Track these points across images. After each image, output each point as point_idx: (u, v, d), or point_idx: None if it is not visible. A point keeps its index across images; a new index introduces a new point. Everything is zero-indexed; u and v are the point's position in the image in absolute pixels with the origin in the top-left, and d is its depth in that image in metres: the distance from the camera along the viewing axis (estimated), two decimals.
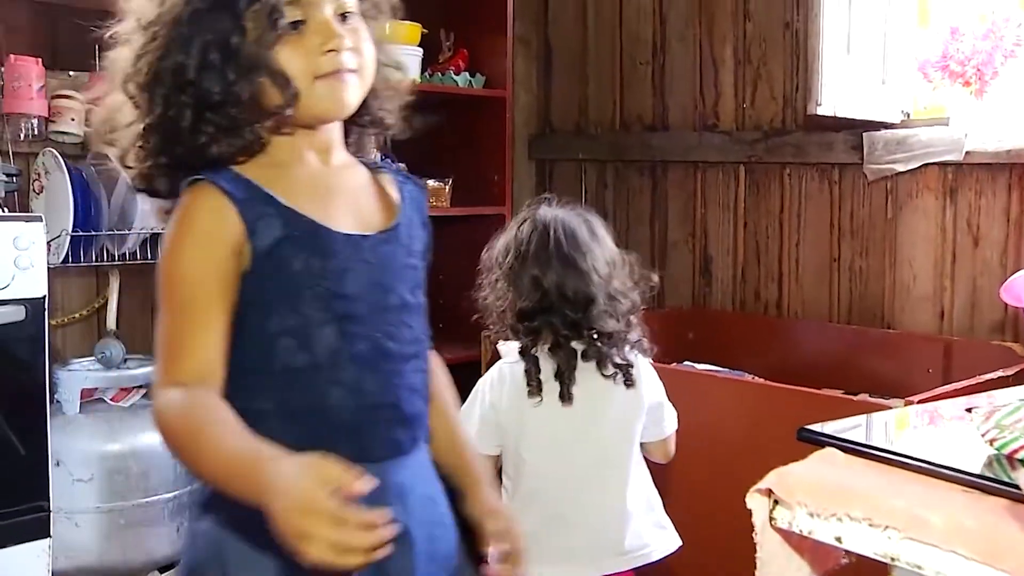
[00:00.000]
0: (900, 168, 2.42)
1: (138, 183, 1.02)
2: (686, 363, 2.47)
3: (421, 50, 2.47)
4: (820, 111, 2.31)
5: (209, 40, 0.93)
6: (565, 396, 1.57)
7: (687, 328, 2.78)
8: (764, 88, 2.70)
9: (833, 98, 2.32)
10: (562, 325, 1.58)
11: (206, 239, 0.93)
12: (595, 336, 1.59)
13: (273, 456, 0.81)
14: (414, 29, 2.52)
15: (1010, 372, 1.90)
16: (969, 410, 0.78)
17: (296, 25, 0.94)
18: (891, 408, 1.71)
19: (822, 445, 0.78)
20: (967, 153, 2.32)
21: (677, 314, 2.84)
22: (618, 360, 1.61)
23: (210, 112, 0.94)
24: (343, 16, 0.97)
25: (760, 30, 2.69)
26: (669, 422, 1.72)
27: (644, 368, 1.69)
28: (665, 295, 2.95)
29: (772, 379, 2.39)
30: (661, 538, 1.65)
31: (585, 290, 1.58)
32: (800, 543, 0.70)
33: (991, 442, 0.71)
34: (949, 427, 0.86)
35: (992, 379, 1.87)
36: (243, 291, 0.93)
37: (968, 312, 2.36)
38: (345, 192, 1.03)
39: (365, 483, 0.77)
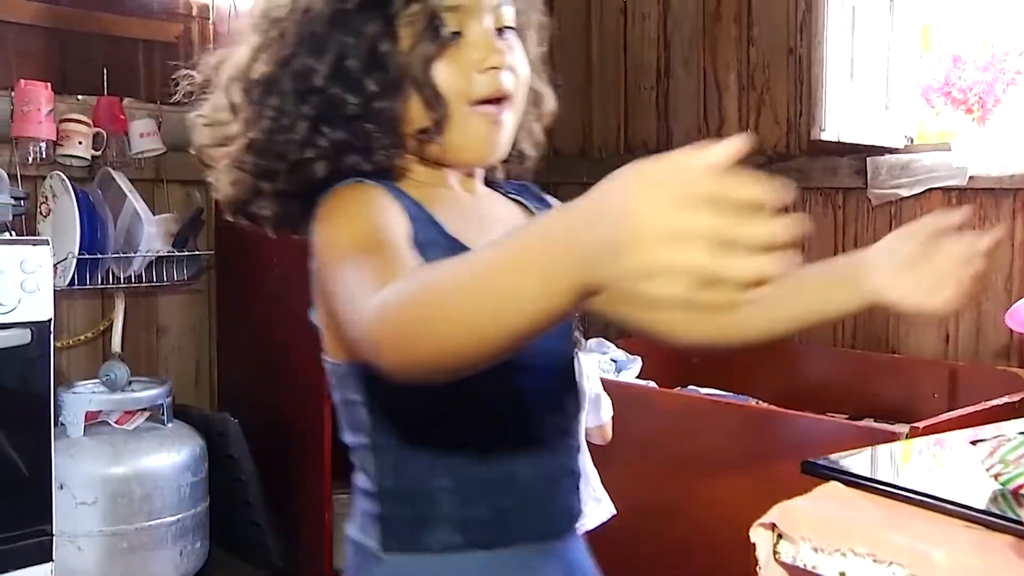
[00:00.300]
0: (904, 193, 2.43)
1: (230, 208, 0.87)
2: (691, 388, 2.47)
3: None
4: (824, 136, 2.31)
5: (350, 44, 0.79)
6: None
7: (692, 352, 2.77)
8: (768, 113, 2.71)
9: (837, 123, 2.33)
10: None
11: (388, 207, 0.76)
12: None
13: (569, 206, 0.52)
14: None
15: (1016, 398, 1.89)
16: (975, 443, 0.77)
17: (453, 37, 0.80)
18: (896, 433, 1.71)
19: (827, 478, 0.77)
20: (970, 178, 2.32)
21: None
22: None
23: (331, 128, 0.80)
24: (499, 31, 0.82)
25: (763, 56, 2.71)
26: (606, 410, 1.82)
27: (582, 363, 1.73)
28: None
29: (777, 403, 2.38)
30: (596, 509, 1.78)
31: None
32: None
33: (996, 477, 0.71)
34: (955, 460, 0.86)
35: (998, 405, 1.86)
36: None
37: (973, 337, 2.36)
38: (498, 225, 0.84)
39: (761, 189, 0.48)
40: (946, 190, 2.37)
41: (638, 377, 2.41)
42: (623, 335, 2.89)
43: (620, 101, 3.06)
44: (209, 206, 2.61)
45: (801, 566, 0.69)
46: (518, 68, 0.84)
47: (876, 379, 2.46)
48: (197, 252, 2.43)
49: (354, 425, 0.84)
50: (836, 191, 2.58)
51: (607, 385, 2.26)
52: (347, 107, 0.79)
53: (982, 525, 0.66)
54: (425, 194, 0.82)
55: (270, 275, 2.40)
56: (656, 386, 2.31)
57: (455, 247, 0.78)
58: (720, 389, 2.48)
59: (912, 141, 2.53)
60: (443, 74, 0.79)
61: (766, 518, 0.74)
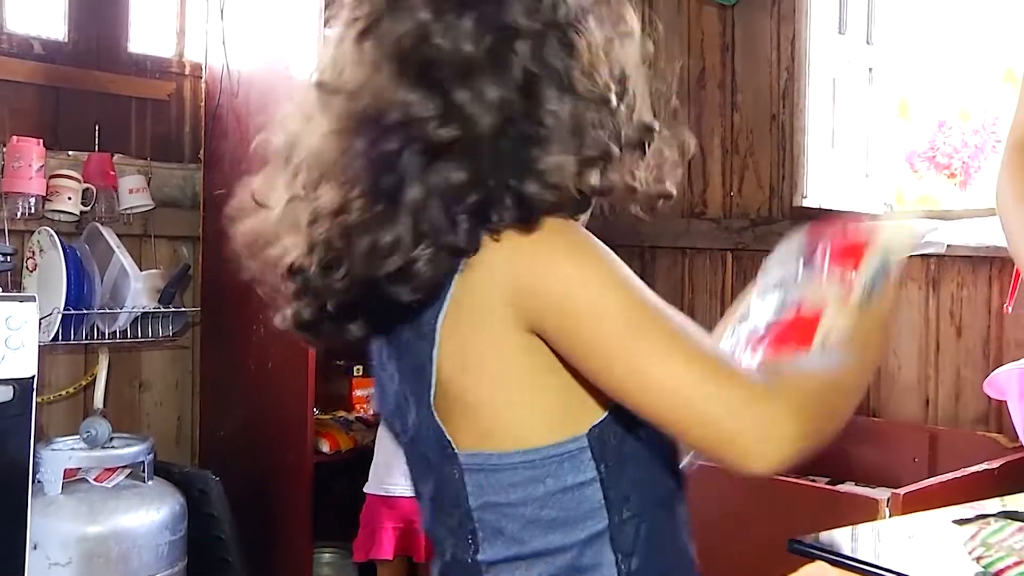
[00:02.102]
0: None
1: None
2: None
3: None
4: (806, 203, 2.36)
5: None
6: None
7: None
8: (751, 177, 2.76)
9: (818, 190, 2.38)
10: None
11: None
12: None
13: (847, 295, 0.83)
14: None
15: (995, 464, 1.91)
16: (957, 522, 0.79)
17: None
18: (876, 499, 1.72)
19: (812, 558, 0.78)
20: (949, 246, 2.36)
21: None
22: None
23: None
24: None
25: (747, 122, 2.76)
26: None
27: None
28: None
29: None
30: None
31: None
32: None
33: (978, 560, 0.72)
34: (937, 540, 0.87)
35: (977, 472, 1.87)
36: None
37: (953, 402, 2.38)
38: None
39: None
40: (925, 257, 2.41)
41: None
42: None
43: None
44: (196, 261, 2.62)
45: None
46: None
47: (857, 443, 2.47)
48: (183, 308, 2.43)
49: (568, 517, 0.76)
50: None
51: None
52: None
53: None
54: None
55: (255, 332, 2.40)
56: None
57: None
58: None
59: (891, 208, 2.59)
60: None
61: None
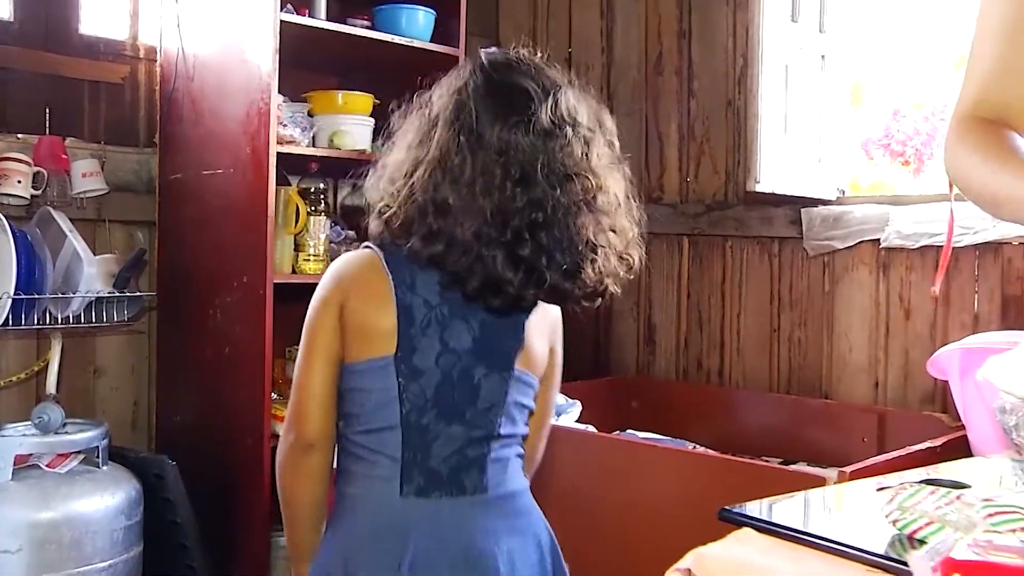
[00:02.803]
0: (838, 245, 2.51)
1: None
2: (629, 432, 2.51)
3: (373, 120, 2.52)
4: (759, 188, 2.39)
5: None
6: None
7: (631, 396, 2.81)
8: (707, 163, 2.80)
9: (771, 176, 2.41)
10: None
11: None
12: None
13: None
14: (367, 100, 2.57)
15: (938, 443, 1.96)
16: (880, 490, 0.81)
17: None
18: (824, 478, 1.76)
19: (740, 525, 0.81)
20: (898, 232, 2.41)
21: (621, 383, 2.88)
22: None
23: None
24: None
25: (704, 108, 2.79)
26: None
27: None
28: (610, 363, 2.99)
29: (715, 448, 2.43)
30: None
31: None
32: None
33: (894, 523, 0.74)
34: (863, 507, 0.90)
35: (921, 450, 1.92)
36: None
37: (901, 383, 2.43)
38: None
39: None
40: (876, 242, 2.46)
41: (577, 421, 2.44)
42: (562, 379, 2.92)
43: None
44: (152, 246, 2.60)
45: None
46: None
47: (809, 424, 2.52)
48: (138, 293, 2.41)
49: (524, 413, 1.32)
50: (772, 240, 2.66)
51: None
52: None
53: (878, 568, 0.70)
54: None
55: (212, 317, 2.39)
56: (595, 430, 2.34)
57: None
58: (658, 434, 2.52)
59: (844, 193, 2.63)
60: None
61: (682, 563, 0.77)
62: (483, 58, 1.30)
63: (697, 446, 2.45)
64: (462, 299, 1.23)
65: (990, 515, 0.68)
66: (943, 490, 0.73)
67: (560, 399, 2.49)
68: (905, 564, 0.65)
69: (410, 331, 1.23)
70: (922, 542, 0.70)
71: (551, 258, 1.20)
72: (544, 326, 1.32)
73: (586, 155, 1.24)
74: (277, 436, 2.44)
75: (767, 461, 2.40)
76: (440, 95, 1.29)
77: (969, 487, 0.80)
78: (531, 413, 1.33)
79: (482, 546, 1.23)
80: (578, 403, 2.47)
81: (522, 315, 1.27)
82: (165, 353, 2.64)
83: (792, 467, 2.29)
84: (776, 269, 2.66)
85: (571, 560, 2.10)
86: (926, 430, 2.16)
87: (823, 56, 2.52)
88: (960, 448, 1.96)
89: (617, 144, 1.32)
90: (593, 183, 1.24)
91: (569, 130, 1.23)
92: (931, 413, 2.31)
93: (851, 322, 2.52)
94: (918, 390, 2.40)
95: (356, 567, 1.23)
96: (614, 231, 1.25)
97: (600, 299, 1.28)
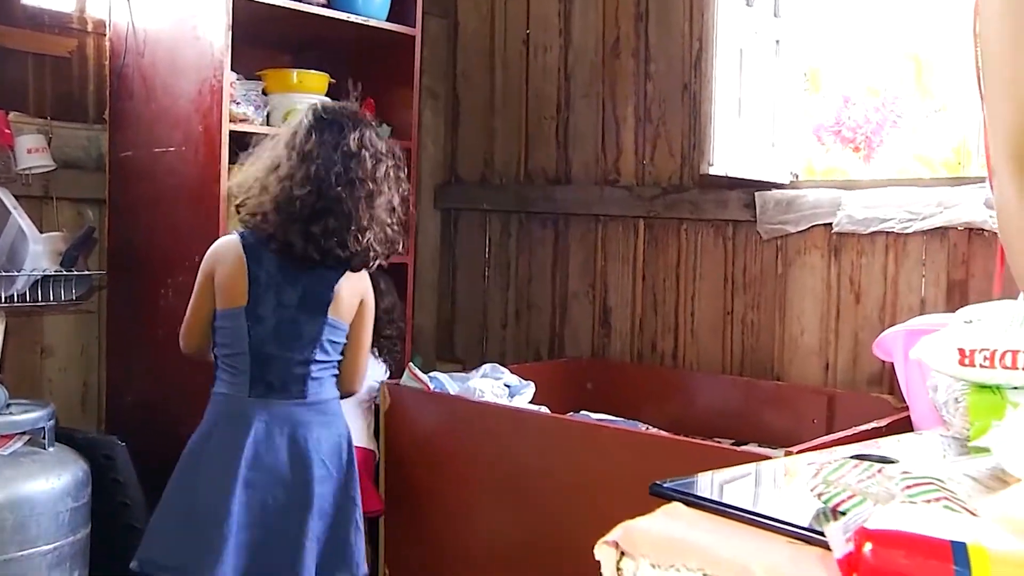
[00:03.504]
0: (791, 229, 2.53)
1: None
2: (583, 413, 2.52)
3: (328, 100, 2.49)
4: (712, 171, 2.40)
5: None
6: None
7: (586, 378, 2.83)
8: (663, 146, 2.80)
9: (725, 159, 2.42)
10: None
11: None
12: None
13: None
14: (321, 79, 2.54)
15: (883, 423, 1.99)
16: (809, 465, 0.82)
17: None
18: (772, 457, 1.78)
19: (670, 499, 0.81)
20: (849, 216, 2.44)
21: (576, 364, 2.89)
22: None
23: None
24: None
25: (660, 91, 2.80)
26: None
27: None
28: (566, 345, 3.00)
29: (668, 429, 2.44)
30: None
31: None
32: None
33: (819, 496, 0.76)
34: (793, 482, 0.91)
35: (867, 430, 1.95)
36: None
37: (851, 365, 2.47)
38: None
39: None
40: (828, 227, 2.49)
41: (531, 402, 2.44)
42: (517, 361, 2.93)
43: (521, 131, 3.12)
44: (101, 225, 2.56)
45: None
46: None
47: (762, 405, 2.55)
48: (87, 272, 2.38)
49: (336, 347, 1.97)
50: (726, 223, 2.68)
51: (501, 411, 2.29)
52: None
53: (801, 540, 0.71)
54: None
55: (163, 296, 2.36)
56: (548, 411, 2.35)
57: None
58: (613, 415, 2.53)
59: (797, 178, 2.65)
60: None
61: (610, 536, 0.78)
62: (319, 105, 2.01)
63: (650, 427, 2.47)
64: (291, 268, 1.90)
65: (908, 487, 0.70)
66: (865, 463, 0.74)
67: (513, 380, 2.50)
68: (824, 535, 0.66)
69: (256, 290, 1.89)
70: (844, 514, 0.72)
71: (333, 236, 1.87)
72: (355, 288, 1.97)
73: (375, 170, 1.91)
74: None
75: (719, 442, 2.42)
76: (287, 128, 1.98)
77: (896, 462, 0.82)
78: (345, 346, 1.98)
79: (301, 432, 1.90)
80: (532, 384, 2.47)
81: (333, 279, 1.93)
82: (116, 333, 2.60)
83: (742, 448, 2.32)
84: (730, 252, 2.68)
85: (525, 539, 2.11)
86: (874, 411, 2.19)
87: (777, 41, 2.54)
88: (905, 427, 1.98)
89: (404, 169, 2.03)
90: (374, 189, 1.91)
91: (366, 153, 1.91)
92: (879, 394, 2.35)
93: (803, 305, 2.55)
94: (866, 372, 2.44)
95: (219, 437, 1.90)
96: (386, 224, 1.95)
97: (368, 265, 1.97)
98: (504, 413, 2.27)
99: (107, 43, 2.54)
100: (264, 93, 2.47)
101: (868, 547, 0.58)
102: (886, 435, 1.92)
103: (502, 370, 2.50)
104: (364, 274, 1.99)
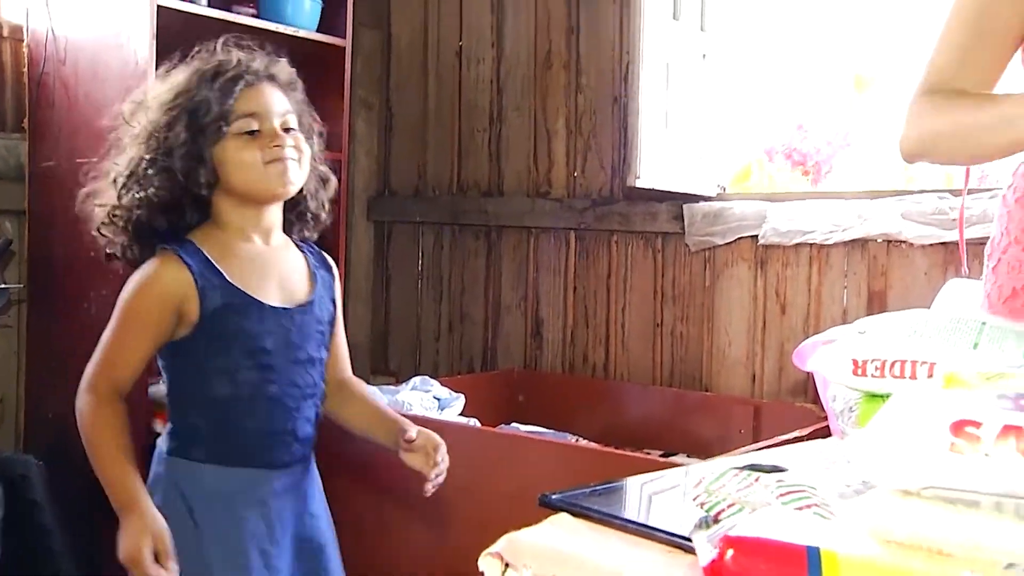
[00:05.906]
0: (718, 241, 2.56)
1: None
2: (513, 425, 2.52)
3: None
4: (639, 184, 2.42)
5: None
6: None
7: (518, 390, 2.83)
8: (594, 158, 2.82)
9: (652, 171, 2.45)
10: None
11: (160, 290, 1.37)
12: None
13: (131, 499, 1.38)
14: None
15: (805, 432, 2.02)
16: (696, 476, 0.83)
17: (252, 133, 1.40)
18: (680, 466, 1.79)
19: (557, 510, 0.81)
20: (774, 228, 2.48)
21: (508, 376, 2.88)
22: None
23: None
24: (287, 129, 1.43)
25: (591, 103, 2.82)
26: None
27: None
28: (498, 357, 3.00)
29: (599, 440, 2.45)
30: None
31: None
32: None
33: (701, 505, 0.76)
34: (681, 492, 0.92)
35: (788, 439, 1.97)
36: (191, 337, 1.37)
37: (777, 375, 2.50)
38: (278, 269, 1.46)
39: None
40: (754, 238, 2.52)
41: (461, 415, 2.43)
42: (450, 373, 2.92)
43: (454, 143, 3.12)
44: (21, 236, 2.49)
45: None
46: (301, 147, 1.43)
47: (691, 416, 2.57)
48: (5, 285, 2.31)
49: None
50: (656, 235, 2.70)
51: (430, 423, 2.28)
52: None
53: (677, 548, 0.71)
54: (222, 250, 1.41)
55: (85, 311, 2.31)
56: (478, 424, 2.34)
57: (231, 289, 1.38)
58: (545, 427, 2.54)
59: (724, 190, 2.69)
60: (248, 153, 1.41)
61: (494, 548, 0.77)
62: None
63: (580, 439, 2.47)
64: None
65: (782, 495, 0.70)
66: (745, 472, 0.75)
67: (443, 392, 2.48)
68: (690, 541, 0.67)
69: None
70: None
71: None
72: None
73: None
74: (155, 434, 2.38)
75: (648, 453, 2.44)
76: None
77: (786, 471, 0.82)
78: None
79: None
80: (462, 396, 2.46)
81: None
82: (35, 347, 2.54)
83: (670, 458, 2.33)
84: (660, 264, 2.70)
85: (454, 553, 2.10)
86: (798, 420, 2.22)
87: (704, 55, 2.57)
88: (826, 435, 2.02)
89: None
90: None
91: None
92: (803, 404, 2.39)
93: (730, 316, 2.58)
94: (791, 382, 2.47)
95: None
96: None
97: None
98: (430, 426, 2.25)
99: (25, 49, 2.48)
100: None
101: (730, 553, 0.59)
102: (808, 443, 1.96)
103: (432, 382, 2.49)
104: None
